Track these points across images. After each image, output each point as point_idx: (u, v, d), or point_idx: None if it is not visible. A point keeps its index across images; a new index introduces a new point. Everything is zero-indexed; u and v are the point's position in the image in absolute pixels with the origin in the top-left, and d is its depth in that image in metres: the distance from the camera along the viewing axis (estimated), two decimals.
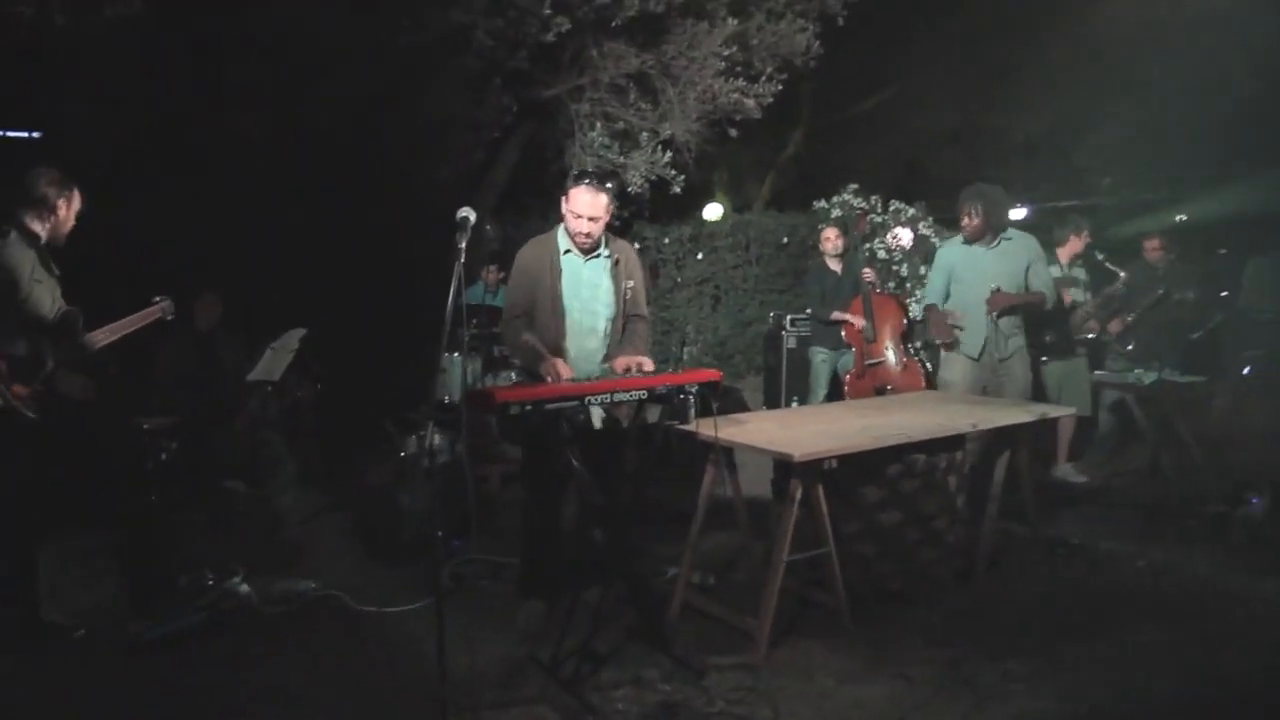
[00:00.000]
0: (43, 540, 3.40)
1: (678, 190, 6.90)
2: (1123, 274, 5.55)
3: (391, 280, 6.27)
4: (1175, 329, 5.55)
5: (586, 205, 3.35)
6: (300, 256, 6.29)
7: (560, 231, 3.50)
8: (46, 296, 3.30)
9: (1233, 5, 9.48)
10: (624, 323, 3.57)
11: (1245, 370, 5.18)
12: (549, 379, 3.18)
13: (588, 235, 3.39)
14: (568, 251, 3.47)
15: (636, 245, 8.82)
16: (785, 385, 7.26)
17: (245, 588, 3.71)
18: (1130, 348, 5.53)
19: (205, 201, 6.07)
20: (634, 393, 3.04)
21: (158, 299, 3.76)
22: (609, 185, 3.42)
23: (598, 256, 3.50)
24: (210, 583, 3.67)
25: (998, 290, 4.57)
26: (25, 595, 3.28)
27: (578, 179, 3.42)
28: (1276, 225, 6.87)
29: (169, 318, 3.79)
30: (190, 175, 6.02)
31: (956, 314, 4.73)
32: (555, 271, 3.44)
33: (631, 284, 3.55)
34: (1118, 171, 12.40)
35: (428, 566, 3.42)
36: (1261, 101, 9.58)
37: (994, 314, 4.61)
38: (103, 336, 3.48)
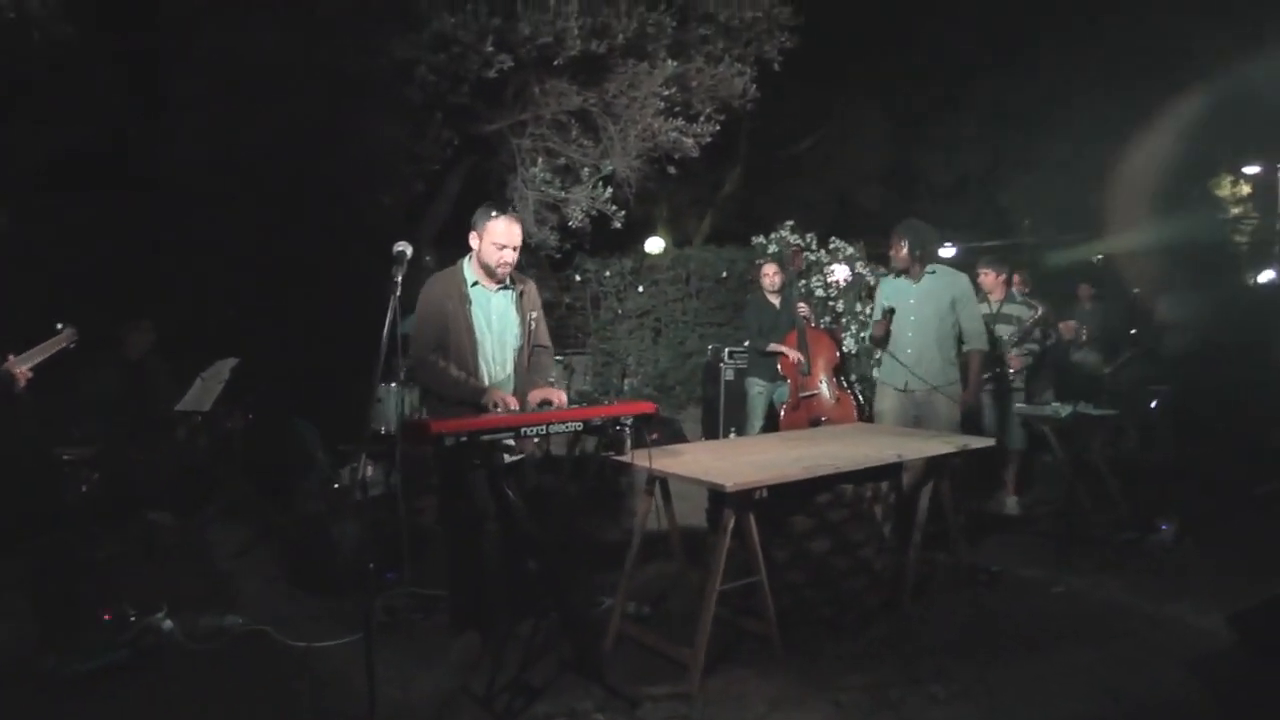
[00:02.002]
0: None
1: (618, 225, 7.01)
2: (1040, 309, 5.84)
3: (327, 310, 6.20)
4: (1081, 366, 5.85)
5: (507, 235, 3.42)
6: (234, 284, 6.19)
7: (465, 265, 3.55)
8: None
9: (1152, 50, 10.12)
10: (530, 354, 3.63)
11: (1152, 404, 5.47)
12: (495, 410, 3.20)
13: (509, 265, 3.46)
14: (475, 284, 3.52)
15: (577, 277, 8.96)
16: (723, 416, 7.38)
17: (169, 623, 3.60)
18: (1020, 382, 5.80)
19: (137, 225, 5.95)
20: (570, 424, 3.08)
21: (60, 326, 3.67)
22: (521, 216, 3.51)
23: (505, 288, 3.56)
24: (132, 618, 3.55)
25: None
26: None
27: (491, 211, 3.47)
28: (1182, 264, 7.30)
29: (72, 346, 3.70)
30: (122, 198, 5.89)
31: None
32: (465, 303, 3.48)
33: (535, 314, 3.64)
34: (1040, 212, 13.00)
35: (359, 600, 3.39)
36: (1174, 145, 10.22)
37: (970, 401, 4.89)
38: (19, 367, 3.38)
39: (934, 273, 4.90)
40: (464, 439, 2.78)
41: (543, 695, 3.14)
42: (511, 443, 3.14)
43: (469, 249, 3.56)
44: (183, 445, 5.34)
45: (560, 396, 3.37)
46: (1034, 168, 12.20)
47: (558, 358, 6.44)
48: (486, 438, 2.85)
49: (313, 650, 3.56)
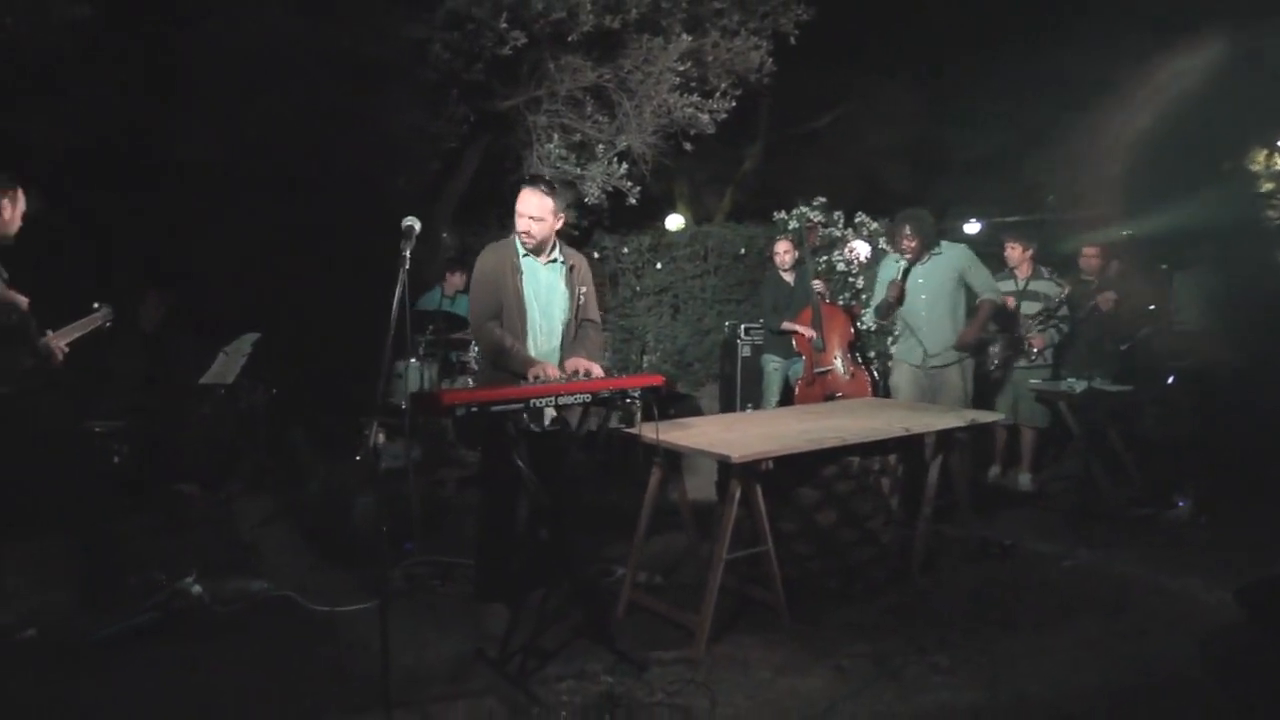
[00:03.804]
0: None
1: (634, 201, 7.04)
2: (1067, 288, 5.81)
3: (347, 285, 6.31)
4: (1099, 342, 5.82)
5: (524, 204, 3.48)
6: (256, 261, 6.31)
7: (516, 238, 3.61)
8: None
9: (1177, 18, 9.90)
10: (576, 327, 3.68)
11: (1169, 380, 5.43)
12: (534, 381, 3.25)
13: (529, 235, 3.50)
14: (525, 255, 3.58)
15: (595, 254, 9.00)
16: (740, 392, 7.42)
17: (198, 588, 3.73)
18: (1041, 360, 5.78)
19: (158, 205, 6.07)
20: (578, 396, 3.14)
21: (97, 306, 3.79)
22: (558, 190, 3.52)
23: (553, 262, 3.61)
24: (162, 583, 3.69)
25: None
26: None
27: (526, 181, 3.55)
28: (1200, 241, 7.19)
29: (108, 325, 3.83)
30: (143, 178, 6.02)
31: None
32: (517, 274, 3.55)
33: (585, 290, 3.67)
34: (1066, 188, 12.79)
35: (376, 567, 3.49)
36: (1207, 117, 10.00)
37: (966, 347, 4.99)
38: (57, 342, 3.50)
39: (940, 252, 5.07)
40: (475, 409, 2.85)
41: (555, 658, 3.23)
42: (553, 411, 3.20)
43: (486, 225, 3.61)
44: (208, 419, 5.49)
45: (594, 368, 3.38)
46: (1061, 142, 12.00)
47: None
48: (498, 409, 2.91)
49: (334, 615, 3.67)
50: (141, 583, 3.72)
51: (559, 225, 3.59)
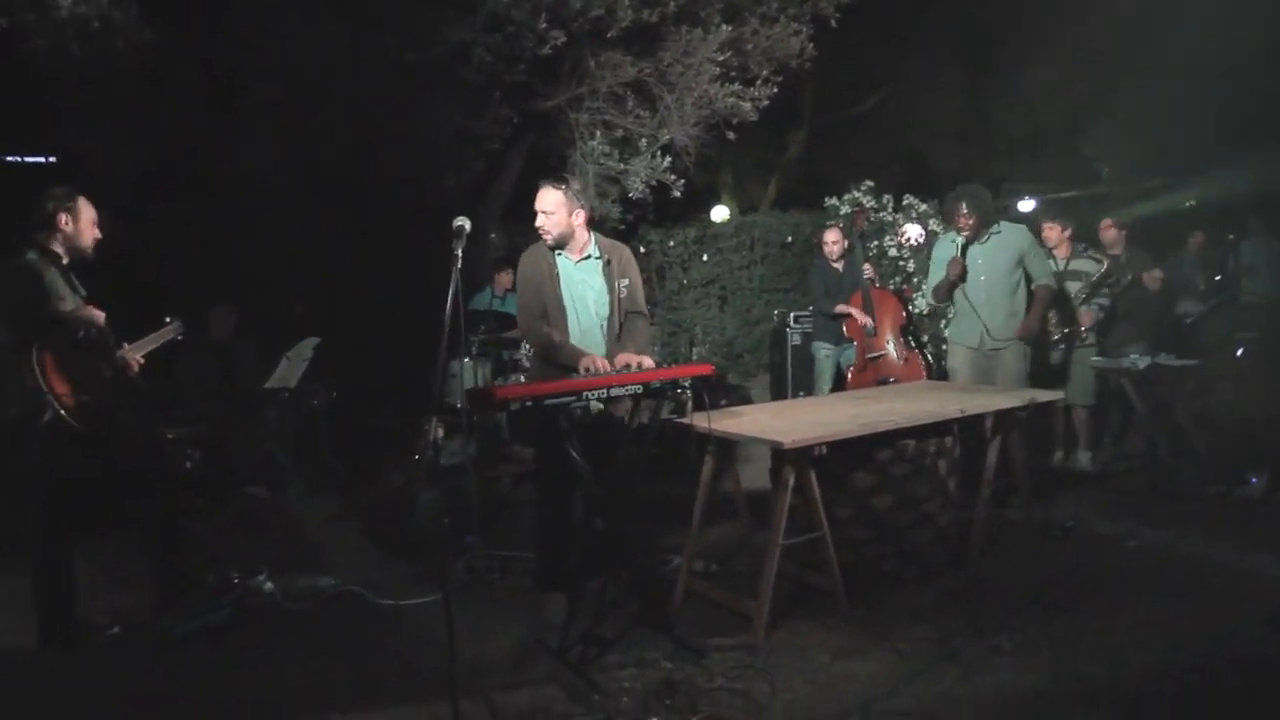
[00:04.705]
0: (78, 543, 3.58)
1: (678, 194, 7.04)
2: (1105, 263, 5.66)
3: (401, 289, 6.46)
4: (1148, 311, 5.65)
5: (539, 202, 3.52)
6: (312, 269, 6.50)
7: None
8: None
9: None
10: (622, 320, 3.70)
11: (1238, 352, 5.25)
12: (586, 374, 3.28)
13: (545, 230, 3.53)
14: (559, 254, 3.62)
15: (641, 249, 9.03)
16: (791, 381, 7.38)
17: (269, 585, 3.88)
18: (1092, 338, 5.64)
19: (220, 218, 6.30)
20: (629, 387, 3.17)
21: (169, 320, 3.95)
22: (569, 183, 3.53)
23: (588, 258, 3.65)
24: (235, 581, 3.85)
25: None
26: (60, 596, 3.46)
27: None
28: (1266, 209, 6.92)
29: (179, 337, 3.98)
30: (205, 193, 6.25)
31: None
32: (554, 274, 3.60)
33: (626, 282, 3.66)
34: (1123, 159, 12.40)
35: (439, 562, 3.58)
36: (1258, 83, 9.61)
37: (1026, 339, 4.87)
38: (133, 354, 3.67)
39: (999, 231, 4.93)
40: (529, 403, 2.91)
41: (614, 646, 3.27)
42: (600, 405, 3.24)
43: (532, 225, 3.66)
44: (273, 423, 5.67)
45: (645, 360, 3.38)
46: (1116, 113, 11.64)
47: None
48: (550, 402, 2.97)
49: (400, 608, 3.78)
50: (216, 581, 3.88)
51: (581, 219, 3.57)
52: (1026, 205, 10.89)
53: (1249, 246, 6.20)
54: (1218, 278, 5.68)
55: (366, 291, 6.59)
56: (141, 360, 3.70)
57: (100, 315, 3.49)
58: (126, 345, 3.67)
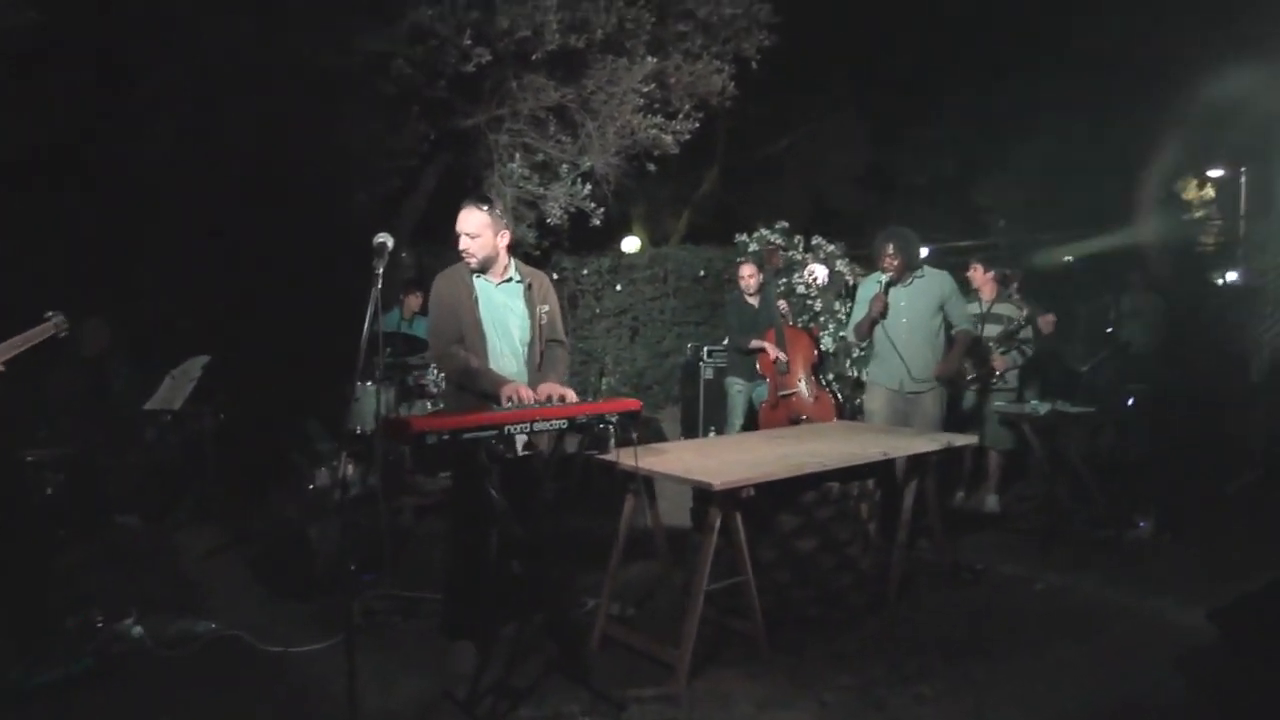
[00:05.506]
0: None
1: (597, 222, 6.97)
2: (1026, 310, 5.88)
3: (301, 306, 6.09)
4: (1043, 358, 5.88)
5: (463, 223, 3.36)
6: (205, 280, 6.06)
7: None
8: None
9: (1120, 56, 10.28)
10: (542, 348, 3.55)
11: (1129, 402, 5.52)
12: (509, 404, 3.10)
13: (469, 253, 3.38)
14: (478, 276, 3.45)
15: (555, 276, 8.89)
16: (703, 415, 7.36)
17: (138, 629, 3.50)
18: (1003, 383, 5.84)
19: (102, 219, 5.79)
20: (554, 422, 3.02)
21: (49, 314, 3.55)
22: (494, 205, 3.41)
23: (509, 281, 3.49)
24: (99, 624, 3.45)
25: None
26: None
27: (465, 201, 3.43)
28: (1139, 264, 7.38)
29: (62, 335, 3.58)
30: (87, 194, 5.73)
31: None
32: (473, 297, 3.42)
33: (546, 309, 3.53)
34: (1013, 213, 13.14)
35: (337, 603, 3.30)
36: (1143, 147, 10.39)
37: (942, 379, 4.94)
38: None
39: (922, 275, 5.01)
40: (446, 437, 2.71)
41: (528, 698, 3.08)
42: (524, 437, 3.07)
43: (445, 246, 3.48)
44: (152, 446, 5.22)
45: (568, 393, 3.24)
46: (1007, 169, 12.34)
47: None
48: (470, 435, 2.78)
49: (289, 655, 3.47)
50: (78, 625, 3.47)
51: (505, 242, 3.45)
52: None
53: (1128, 300, 6.59)
54: (1109, 330, 5.98)
55: (264, 307, 6.17)
56: (2, 368, 3.29)
57: None
58: None
